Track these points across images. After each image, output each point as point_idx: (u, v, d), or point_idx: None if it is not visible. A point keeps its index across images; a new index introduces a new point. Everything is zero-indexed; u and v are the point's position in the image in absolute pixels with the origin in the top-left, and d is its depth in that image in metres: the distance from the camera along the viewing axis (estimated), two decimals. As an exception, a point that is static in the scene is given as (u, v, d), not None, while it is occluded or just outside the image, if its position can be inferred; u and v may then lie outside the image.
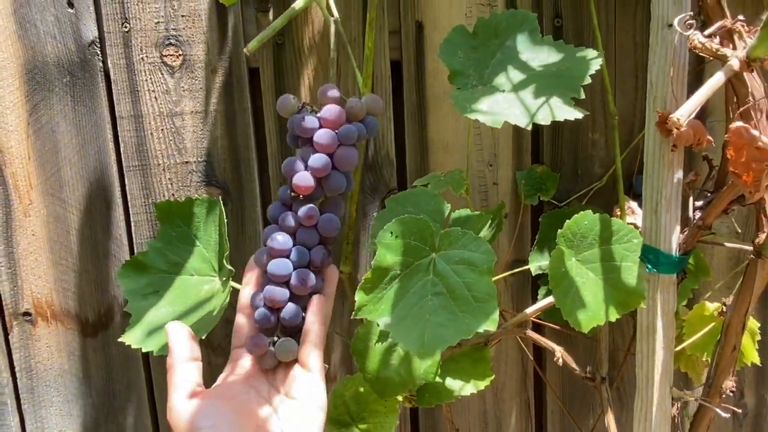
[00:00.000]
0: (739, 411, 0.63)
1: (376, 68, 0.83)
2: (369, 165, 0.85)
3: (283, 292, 0.58)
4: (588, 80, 0.57)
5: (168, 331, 0.57)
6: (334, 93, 0.61)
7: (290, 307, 0.58)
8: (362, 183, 0.84)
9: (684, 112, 0.47)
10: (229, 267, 0.64)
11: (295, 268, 0.59)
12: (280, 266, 0.58)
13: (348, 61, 0.75)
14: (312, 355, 0.56)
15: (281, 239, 0.59)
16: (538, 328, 0.89)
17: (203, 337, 0.61)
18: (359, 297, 0.48)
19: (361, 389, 0.62)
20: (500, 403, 0.93)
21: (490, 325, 0.46)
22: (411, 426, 0.92)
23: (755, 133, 0.49)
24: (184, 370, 0.55)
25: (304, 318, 0.59)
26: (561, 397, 0.93)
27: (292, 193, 0.60)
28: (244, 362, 0.59)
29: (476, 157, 0.86)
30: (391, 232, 0.48)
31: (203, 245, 0.69)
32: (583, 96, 0.57)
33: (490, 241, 0.82)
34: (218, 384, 0.58)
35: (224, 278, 0.65)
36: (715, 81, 0.48)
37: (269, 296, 0.58)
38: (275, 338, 0.60)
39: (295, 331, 0.60)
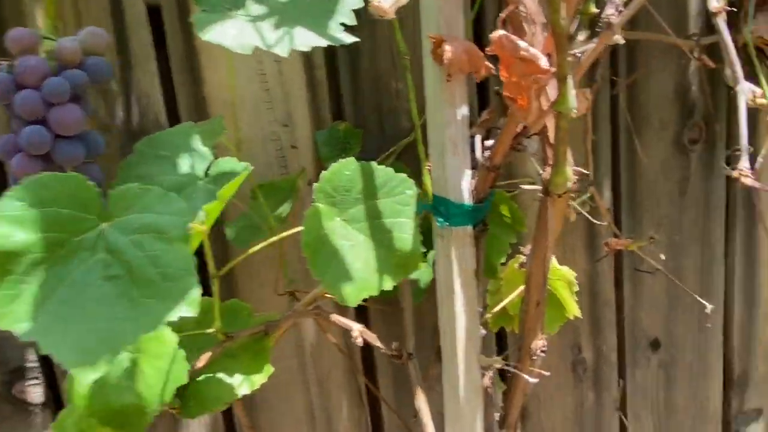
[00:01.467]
0: (548, 374, 0.56)
1: (128, 16, 0.68)
2: (134, 132, 0.71)
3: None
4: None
5: None
6: (26, 38, 0.47)
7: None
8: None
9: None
10: None
11: None
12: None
13: None
14: None
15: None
16: (363, 309, 0.80)
17: None
18: (-26, 297, 0.34)
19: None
20: (326, 394, 0.82)
21: (188, 310, 0.34)
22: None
23: (519, 42, 0.41)
24: None
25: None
26: (394, 379, 0.84)
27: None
28: None
29: (267, 117, 0.74)
30: (20, 199, 0.34)
31: None
32: (354, 22, 0.48)
33: (290, 213, 0.70)
34: None
35: None
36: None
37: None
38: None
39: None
